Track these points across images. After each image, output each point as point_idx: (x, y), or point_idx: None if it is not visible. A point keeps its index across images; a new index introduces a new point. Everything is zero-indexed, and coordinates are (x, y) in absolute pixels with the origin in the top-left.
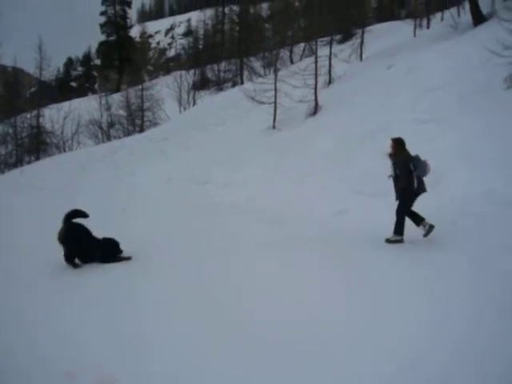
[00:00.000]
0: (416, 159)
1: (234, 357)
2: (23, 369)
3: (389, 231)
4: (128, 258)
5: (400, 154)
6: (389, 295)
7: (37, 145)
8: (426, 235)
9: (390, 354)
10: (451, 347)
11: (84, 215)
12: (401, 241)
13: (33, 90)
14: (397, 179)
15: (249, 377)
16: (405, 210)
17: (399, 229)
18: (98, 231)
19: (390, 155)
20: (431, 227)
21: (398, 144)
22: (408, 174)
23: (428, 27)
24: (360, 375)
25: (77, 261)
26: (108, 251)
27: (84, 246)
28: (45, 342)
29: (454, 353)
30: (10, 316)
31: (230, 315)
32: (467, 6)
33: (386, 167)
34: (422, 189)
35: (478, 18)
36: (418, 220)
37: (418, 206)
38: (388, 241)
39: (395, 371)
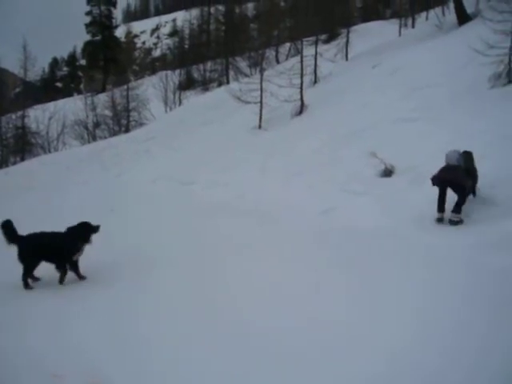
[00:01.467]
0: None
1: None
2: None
3: (377, 227)
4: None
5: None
6: (387, 292)
7: (22, 145)
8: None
9: (386, 353)
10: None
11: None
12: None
13: (17, 90)
14: None
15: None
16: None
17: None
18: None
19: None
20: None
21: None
22: None
23: (413, 27)
24: (358, 376)
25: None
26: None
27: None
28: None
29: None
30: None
31: (228, 316)
32: (452, 5)
33: (372, 166)
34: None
35: (463, 18)
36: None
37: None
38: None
39: (393, 371)
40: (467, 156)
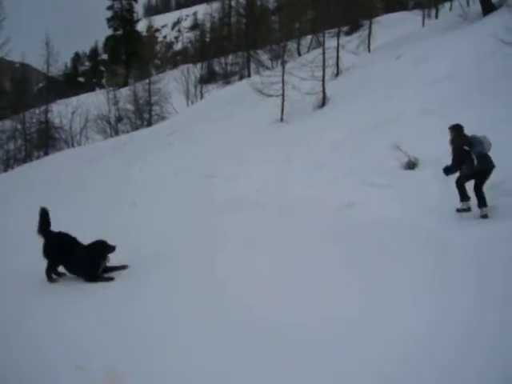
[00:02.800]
0: (472, 138)
1: (237, 356)
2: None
3: (400, 221)
4: (110, 279)
5: (455, 139)
6: (401, 289)
7: (45, 140)
8: (458, 211)
9: (399, 352)
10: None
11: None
12: (468, 209)
13: (41, 85)
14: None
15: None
16: (460, 182)
17: (461, 196)
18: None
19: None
20: (467, 209)
21: (454, 130)
22: (462, 156)
23: (436, 17)
24: (370, 374)
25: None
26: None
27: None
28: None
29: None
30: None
31: (235, 313)
32: None
33: (395, 158)
34: (486, 165)
35: (488, 7)
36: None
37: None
38: (457, 210)
39: (405, 369)
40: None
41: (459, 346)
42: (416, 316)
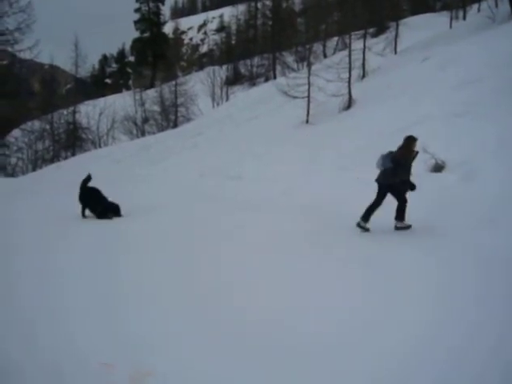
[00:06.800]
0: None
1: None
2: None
3: (429, 224)
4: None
5: None
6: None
7: (73, 140)
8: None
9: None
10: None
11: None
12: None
13: (69, 86)
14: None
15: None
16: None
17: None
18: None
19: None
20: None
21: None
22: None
23: (464, 18)
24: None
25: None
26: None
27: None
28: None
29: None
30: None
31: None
32: None
33: (422, 161)
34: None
35: None
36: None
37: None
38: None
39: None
40: (400, 147)
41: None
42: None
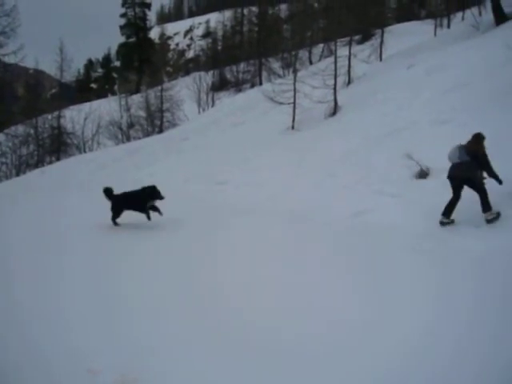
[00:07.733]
0: None
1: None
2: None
3: (410, 229)
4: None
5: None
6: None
7: (58, 145)
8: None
9: (399, 352)
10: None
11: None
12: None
13: (53, 91)
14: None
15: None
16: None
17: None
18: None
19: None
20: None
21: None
22: None
23: (449, 27)
24: (369, 373)
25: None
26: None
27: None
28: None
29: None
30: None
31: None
32: (488, 5)
33: (407, 168)
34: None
35: (500, 17)
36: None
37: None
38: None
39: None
40: (471, 142)
41: (459, 346)
42: (415, 317)
